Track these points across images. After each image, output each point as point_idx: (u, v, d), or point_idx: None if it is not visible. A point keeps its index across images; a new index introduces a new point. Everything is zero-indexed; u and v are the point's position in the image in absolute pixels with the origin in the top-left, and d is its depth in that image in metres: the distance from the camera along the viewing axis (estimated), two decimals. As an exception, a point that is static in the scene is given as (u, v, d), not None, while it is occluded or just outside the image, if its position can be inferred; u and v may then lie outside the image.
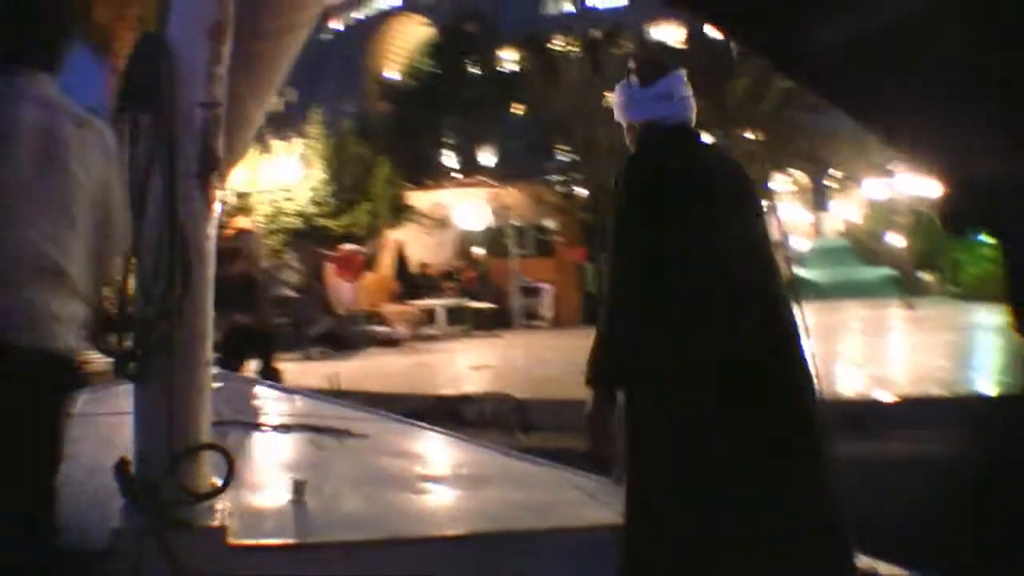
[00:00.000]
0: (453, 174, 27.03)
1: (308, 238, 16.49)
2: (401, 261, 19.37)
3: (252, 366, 7.94)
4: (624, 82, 2.61)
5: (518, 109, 28.76)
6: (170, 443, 2.39)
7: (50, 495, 2.22)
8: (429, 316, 17.29)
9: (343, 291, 15.80)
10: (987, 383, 8.95)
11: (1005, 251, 1.89)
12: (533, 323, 18.44)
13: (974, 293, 18.46)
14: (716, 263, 2.37)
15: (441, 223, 19.85)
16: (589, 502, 3.29)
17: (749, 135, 21.60)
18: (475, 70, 30.53)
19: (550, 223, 20.58)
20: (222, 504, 2.55)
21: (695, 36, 21.78)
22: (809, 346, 2.56)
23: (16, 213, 2.11)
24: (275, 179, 16.64)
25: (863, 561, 2.58)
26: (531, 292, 18.99)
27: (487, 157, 30.71)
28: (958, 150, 1.55)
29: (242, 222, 9.57)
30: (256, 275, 9.06)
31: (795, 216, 39.00)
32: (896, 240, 24.69)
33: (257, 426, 4.27)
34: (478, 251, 19.71)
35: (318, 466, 3.66)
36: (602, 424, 2.40)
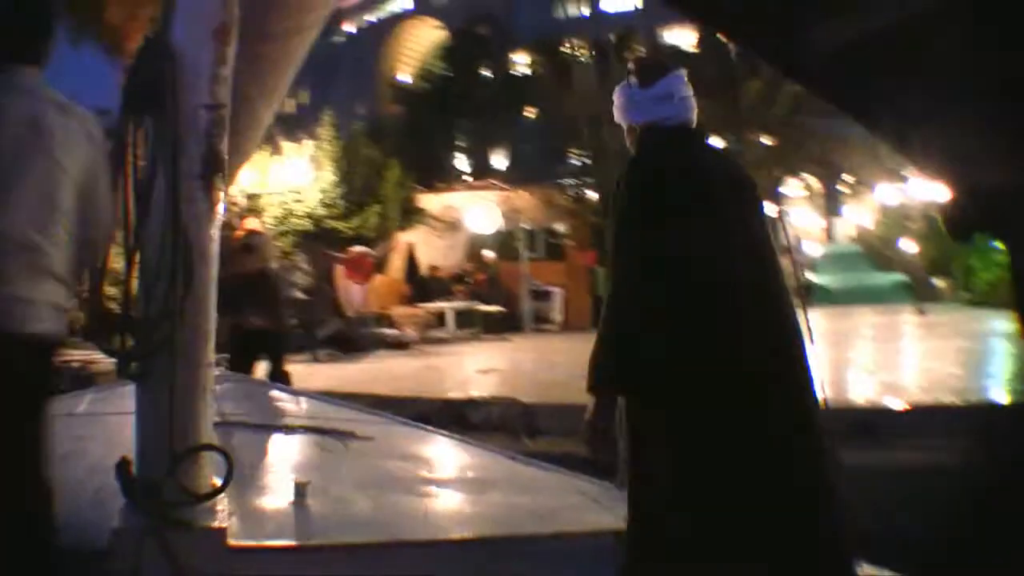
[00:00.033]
0: (464, 177, 27.07)
1: (318, 240, 16.53)
2: (411, 263, 19.39)
3: (261, 369, 7.94)
4: (624, 83, 2.59)
5: (530, 113, 28.80)
6: (171, 443, 2.39)
7: (40, 489, 2.23)
8: (438, 319, 17.30)
9: (352, 293, 15.83)
10: (999, 391, 8.89)
11: (1011, 256, 1.87)
12: (543, 327, 18.42)
13: (987, 299, 18.35)
14: (717, 264, 2.36)
15: (452, 226, 19.87)
16: (592, 506, 3.27)
17: (761, 140, 21.55)
18: (487, 73, 30.59)
19: (561, 227, 20.56)
20: (223, 505, 2.55)
21: (707, 40, 21.74)
22: (812, 350, 2.55)
23: (1, 199, 2.17)
24: (285, 181, 16.68)
25: (866, 570, 2.56)
26: (541, 295, 18.97)
27: (499, 160, 30.75)
28: (960, 153, 1.54)
29: (252, 223, 9.60)
30: (271, 271, 9.08)
31: (807, 221, 38.89)
32: (908, 246, 24.56)
33: (261, 427, 4.27)
34: (488, 254, 19.70)
35: (322, 468, 3.66)
36: (603, 428, 2.39)
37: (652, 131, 2.51)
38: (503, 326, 17.40)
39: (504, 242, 20.10)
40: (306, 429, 4.32)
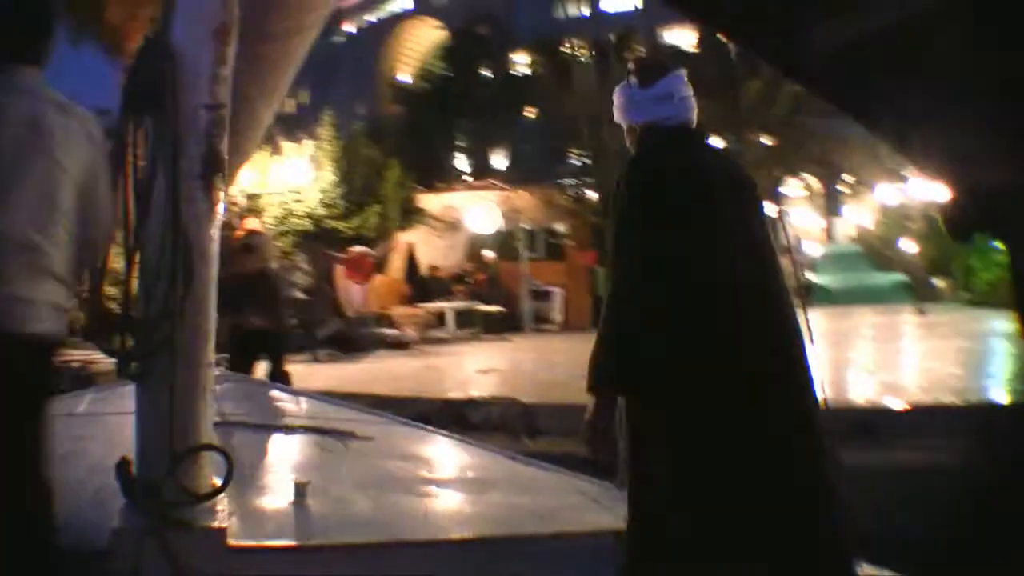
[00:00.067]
0: (464, 177, 27.07)
1: (318, 240, 16.52)
2: (411, 263, 19.39)
3: (261, 369, 7.93)
4: (624, 84, 2.59)
5: (530, 113, 28.81)
6: (171, 443, 2.39)
7: (39, 489, 2.23)
8: (438, 319, 17.30)
9: (352, 293, 15.83)
10: (999, 391, 8.89)
11: (1011, 256, 1.87)
12: (543, 327, 18.42)
13: (987, 299, 18.35)
14: (717, 264, 2.36)
15: (452, 226, 19.87)
16: (592, 506, 3.27)
17: (761, 140, 21.55)
18: (487, 73, 30.59)
19: (561, 227, 20.56)
20: (223, 505, 2.55)
21: (707, 40, 21.73)
22: (812, 350, 2.54)
23: (1, 199, 2.18)
24: (285, 181, 16.67)
25: (866, 570, 2.56)
26: (541, 296, 18.97)
27: (499, 160, 30.76)
28: (960, 153, 1.54)
29: (252, 223, 9.60)
30: (271, 271, 9.07)
31: (807, 221, 38.89)
32: (909, 246, 24.56)
33: (261, 427, 4.27)
34: (488, 254, 19.70)
35: (322, 468, 3.66)
36: (603, 429, 2.39)
37: (652, 131, 2.51)
38: (503, 326, 17.40)
39: (504, 242, 20.10)
40: (306, 429, 4.32)
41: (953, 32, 1.39)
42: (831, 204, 40.61)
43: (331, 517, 2.96)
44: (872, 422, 7.21)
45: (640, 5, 35.00)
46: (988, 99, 1.44)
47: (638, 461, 2.35)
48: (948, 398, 8.29)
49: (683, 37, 27.00)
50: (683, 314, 2.28)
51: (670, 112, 2.50)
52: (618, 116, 2.61)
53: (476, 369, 11.92)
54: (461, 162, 30.41)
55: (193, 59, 2.49)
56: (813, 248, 33.34)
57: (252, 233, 8.86)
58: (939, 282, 23.34)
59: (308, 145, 17.70)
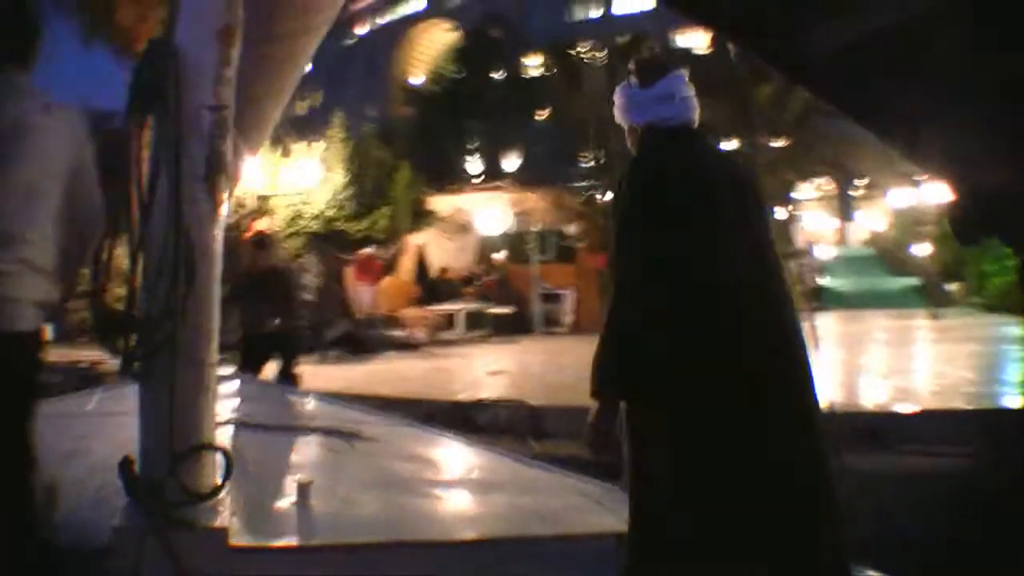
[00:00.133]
0: (475, 179, 27.10)
1: (327, 242, 16.56)
2: (421, 265, 19.44)
3: (271, 370, 7.95)
4: (624, 84, 2.58)
5: (541, 115, 28.82)
6: (172, 443, 2.40)
7: (28, 488, 2.24)
8: (448, 321, 17.34)
9: (362, 295, 15.88)
10: (1010, 396, 8.82)
11: (1016, 256, 1.86)
12: (553, 329, 18.42)
13: (1000, 304, 18.23)
14: (718, 265, 2.35)
15: (462, 228, 19.90)
16: (596, 508, 3.27)
17: (773, 143, 21.48)
18: (499, 76, 30.63)
19: (572, 229, 20.54)
20: (225, 505, 2.55)
21: (719, 42, 21.67)
22: (819, 353, 2.53)
23: None
24: (295, 183, 16.72)
25: (869, 574, 2.55)
26: (551, 298, 18.97)
27: (510, 162, 30.79)
28: (960, 154, 1.52)
29: (261, 224, 9.63)
30: (283, 268, 9.10)
31: (820, 225, 38.77)
32: (921, 250, 24.45)
33: (266, 427, 4.27)
34: (498, 256, 19.71)
35: (326, 468, 3.67)
36: (605, 431, 2.38)
37: (653, 131, 2.50)
38: (513, 328, 17.41)
39: (514, 244, 20.11)
40: (311, 429, 4.32)
41: (953, 33, 1.38)
42: (844, 207, 40.48)
43: (334, 517, 2.96)
44: (881, 427, 7.17)
45: (652, 7, 34.98)
46: (988, 100, 1.43)
47: (639, 462, 2.34)
48: (958, 403, 8.23)
49: (694, 40, 26.94)
50: (684, 315, 2.27)
51: (671, 112, 2.49)
52: (619, 116, 2.60)
53: (485, 371, 11.92)
54: (472, 164, 30.44)
55: (197, 60, 2.50)
56: (826, 251, 33.26)
57: (260, 234, 8.90)
58: (952, 286, 23.22)
59: (318, 147, 17.73)
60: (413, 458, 4.13)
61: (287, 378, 7.78)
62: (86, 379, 7.91)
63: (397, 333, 15.70)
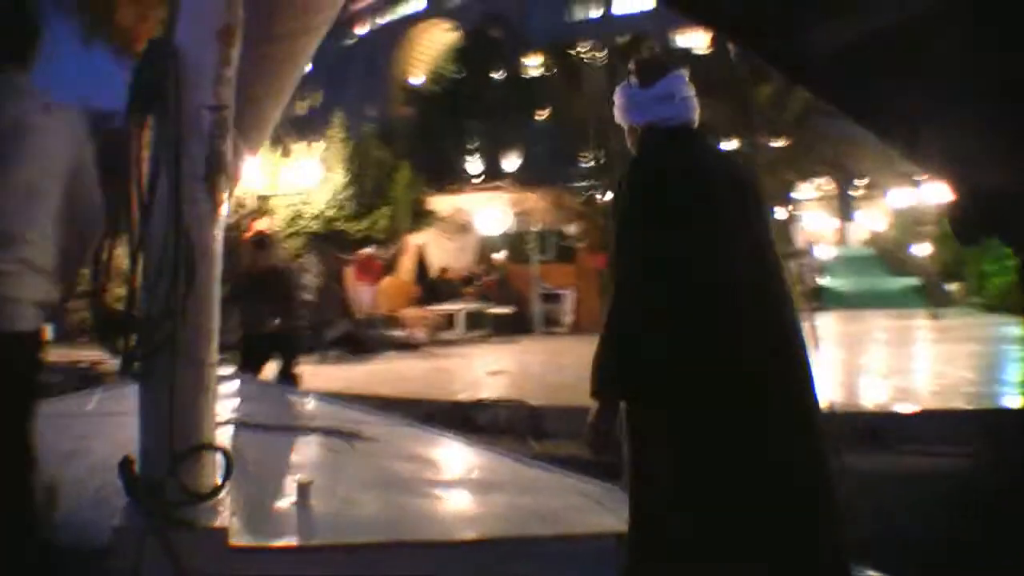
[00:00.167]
0: (475, 179, 27.10)
1: (327, 242, 16.55)
2: (421, 265, 19.43)
3: (271, 370, 7.94)
4: (624, 84, 2.58)
5: (541, 115, 28.82)
6: (172, 443, 2.40)
7: (27, 488, 2.24)
8: (448, 321, 17.33)
9: (362, 295, 15.87)
10: (1010, 396, 8.82)
11: (1019, 260, 1.86)
12: (553, 329, 18.42)
13: (1000, 304, 18.22)
14: (718, 264, 2.34)
15: (462, 228, 19.90)
16: (596, 508, 3.27)
17: (773, 143, 21.48)
18: (499, 76, 30.64)
19: (572, 229, 20.54)
20: (225, 505, 2.55)
21: (720, 42, 21.66)
22: (819, 353, 2.52)
23: None
24: (295, 183, 16.71)
25: (869, 574, 2.55)
26: (551, 298, 18.97)
27: (510, 162, 30.79)
28: (960, 154, 1.52)
29: (261, 225, 9.63)
30: (284, 267, 9.10)
31: (820, 224, 38.77)
32: (921, 250, 24.45)
33: (266, 427, 4.27)
34: (498, 256, 19.71)
35: (326, 468, 3.67)
36: (605, 431, 2.38)
37: (653, 131, 2.50)
38: (513, 328, 17.41)
39: (514, 244, 20.11)
40: (311, 429, 4.32)
41: (953, 33, 1.38)
42: (844, 207, 40.48)
43: (334, 517, 2.95)
44: (882, 426, 7.17)
45: (652, 7, 34.97)
46: (988, 100, 1.43)
47: (639, 462, 2.34)
48: (958, 403, 8.23)
49: (695, 40, 26.93)
50: (684, 315, 2.27)
51: (671, 112, 2.49)
52: (619, 116, 2.60)
53: (485, 371, 11.92)
54: (472, 164, 30.44)
55: (197, 60, 2.50)
56: (826, 251, 33.26)
57: (260, 234, 8.90)
58: (952, 286, 23.22)
59: (318, 147, 17.72)
60: (413, 458, 4.13)
61: (287, 378, 7.78)
62: (86, 379, 7.91)
63: (397, 333, 15.69)
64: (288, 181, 16.71)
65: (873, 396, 9.17)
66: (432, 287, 18.62)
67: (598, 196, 20.65)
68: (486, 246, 20.46)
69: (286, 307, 8.01)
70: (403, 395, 8.97)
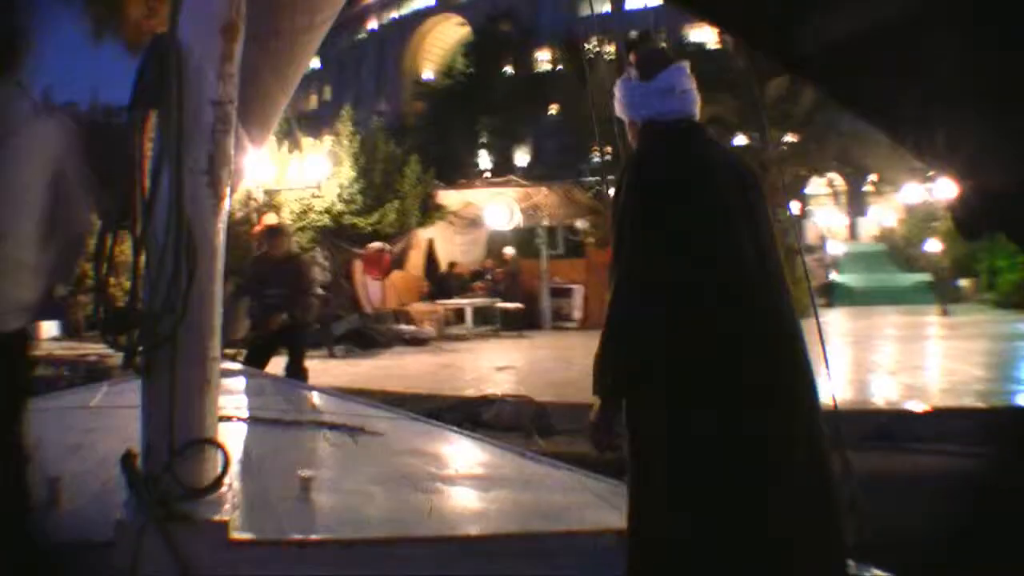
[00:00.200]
0: (485, 173, 27.09)
1: (337, 236, 16.55)
2: (430, 260, 19.41)
3: (279, 364, 7.95)
4: (625, 77, 2.56)
5: (552, 109, 28.78)
6: (174, 437, 2.41)
7: (21, 486, 2.25)
8: (457, 315, 17.33)
9: (370, 289, 15.87)
10: (1021, 394, 8.77)
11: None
12: (562, 324, 18.40)
13: (1011, 300, 18.14)
14: (719, 260, 2.33)
15: (471, 222, 19.87)
16: (600, 505, 3.26)
17: (785, 137, 21.40)
18: (510, 70, 30.62)
19: (582, 224, 20.49)
20: (227, 499, 2.56)
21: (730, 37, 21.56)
22: (825, 351, 2.50)
23: None
24: (305, 177, 16.71)
25: (874, 572, 2.54)
26: (561, 293, 18.95)
27: (520, 157, 30.78)
28: (963, 152, 1.51)
29: (271, 219, 9.64)
30: (298, 255, 9.09)
31: (831, 220, 38.60)
32: (932, 246, 24.34)
33: (270, 422, 4.28)
34: (508, 251, 19.68)
35: (330, 463, 3.67)
36: (607, 428, 2.38)
37: (654, 125, 2.48)
38: (522, 323, 17.40)
39: (524, 239, 20.08)
40: (315, 424, 4.33)
41: (953, 32, 1.37)
42: (855, 203, 40.29)
43: (336, 512, 2.96)
44: (891, 424, 7.13)
45: (661, 2, 34.82)
46: (988, 100, 1.42)
47: (639, 461, 2.33)
48: (969, 400, 8.18)
49: (706, 34, 26.84)
50: (684, 312, 2.26)
51: (672, 106, 2.47)
52: (619, 110, 2.58)
53: (493, 366, 11.91)
54: (482, 158, 30.44)
55: (199, 56, 2.51)
56: (837, 247, 33.13)
57: (269, 227, 8.90)
58: (963, 282, 23.11)
59: (328, 141, 17.72)
60: (418, 453, 4.13)
61: (295, 372, 7.79)
62: (94, 373, 7.95)
63: (406, 328, 15.69)
64: (298, 175, 16.72)
65: (882, 393, 9.12)
66: (441, 282, 18.61)
67: (608, 191, 20.61)
68: (496, 241, 20.43)
69: (299, 298, 7.97)
70: (410, 390, 8.98)
